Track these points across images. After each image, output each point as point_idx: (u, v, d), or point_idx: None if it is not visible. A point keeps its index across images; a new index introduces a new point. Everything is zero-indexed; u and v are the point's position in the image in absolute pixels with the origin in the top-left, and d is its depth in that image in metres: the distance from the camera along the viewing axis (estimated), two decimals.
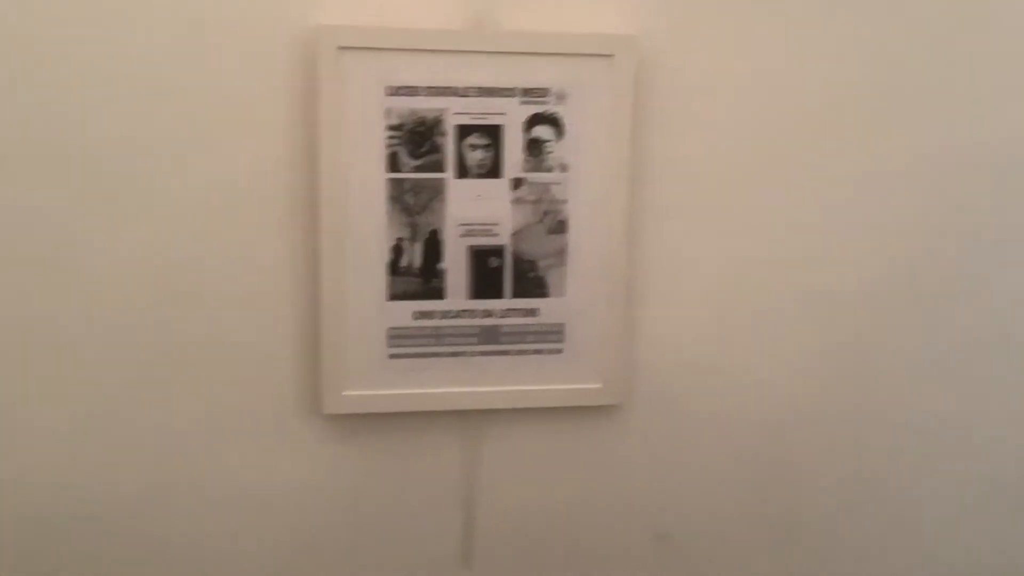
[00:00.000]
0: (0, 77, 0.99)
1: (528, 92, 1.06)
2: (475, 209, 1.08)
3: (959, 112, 1.16)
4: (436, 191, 1.07)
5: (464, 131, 1.06)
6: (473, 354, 1.12)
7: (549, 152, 1.08)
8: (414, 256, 1.08)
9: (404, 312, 1.09)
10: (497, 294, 1.11)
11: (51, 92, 1.00)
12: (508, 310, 1.11)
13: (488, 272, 1.10)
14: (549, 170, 1.08)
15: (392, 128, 1.05)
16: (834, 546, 1.27)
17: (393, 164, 1.05)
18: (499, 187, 1.08)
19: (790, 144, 1.14)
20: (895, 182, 1.17)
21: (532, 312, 1.12)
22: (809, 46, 1.12)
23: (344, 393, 1.10)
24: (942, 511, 1.28)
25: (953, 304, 1.21)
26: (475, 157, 1.07)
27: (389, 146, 1.05)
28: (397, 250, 1.08)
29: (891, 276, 1.19)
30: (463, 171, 1.07)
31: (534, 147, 1.08)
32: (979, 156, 1.17)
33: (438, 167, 1.06)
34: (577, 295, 1.12)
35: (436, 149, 1.06)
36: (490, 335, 1.12)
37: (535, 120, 1.07)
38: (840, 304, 1.19)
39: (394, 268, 1.08)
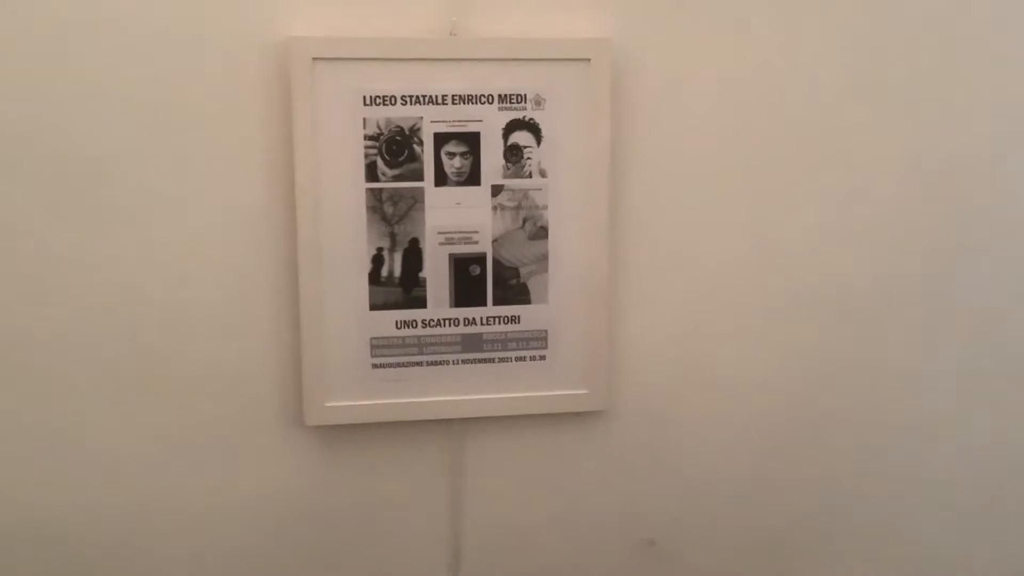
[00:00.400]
0: None
1: (505, 98, 1.06)
2: (455, 217, 1.08)
3: (943, 112, 1.16)
4: (415, 200, 1.06)
5: (442, 139, 1.06)
6: (456, 362, 1.11)
7: (528, 158, 1.08)
8: (394, 265, 1.08)
9: (386, 321, 1.09)
10: (479, 302, 1.10)
11: (24, 105, 0.99)
12: (491, 318, 1.11)
13: (470, 280, 1.10)
14: (528, 176, 1.08)
15: (369, 138, 1.04)
16: (823, 551, 1.27)
17: (371, 174, 1.05)
18: (478, 194, 1.07)
19: (768, 146, 1.14)
20: (876, 182, 1.16)
21: (515, 319, 1.11)
22: (785, 46, 1.12)
23: (327, 404, 1.09)
24: (934, 515, 1.27)
25: (939, 307, 1.21)
26: (453, 165, 1.06)
27: (367, 156, 1.04)
28: (377, 260, 1.07)
29: (873, 277, 1.19)
30: (442, 179, 1.06)
31: (513, 153, 1.07)
32: (964, 155, 1.17)
33: (416, 176, 1.06)
34: (560, 301, 1.12)
35: (414, 158, 1.05)
36: (473, 343, 1.11)
37: (513, 126, 1.07)
38: (822, 307, 1.19)
39: (375, 278, 1.08)
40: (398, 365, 1.10)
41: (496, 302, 1.11)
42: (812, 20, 1.11)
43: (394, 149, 1.05)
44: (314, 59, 1.01)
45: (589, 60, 1.06)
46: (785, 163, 1.14)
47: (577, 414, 1.17)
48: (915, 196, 1.18)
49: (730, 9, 1.10)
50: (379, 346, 1.09)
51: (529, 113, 1.07)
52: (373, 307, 1.08)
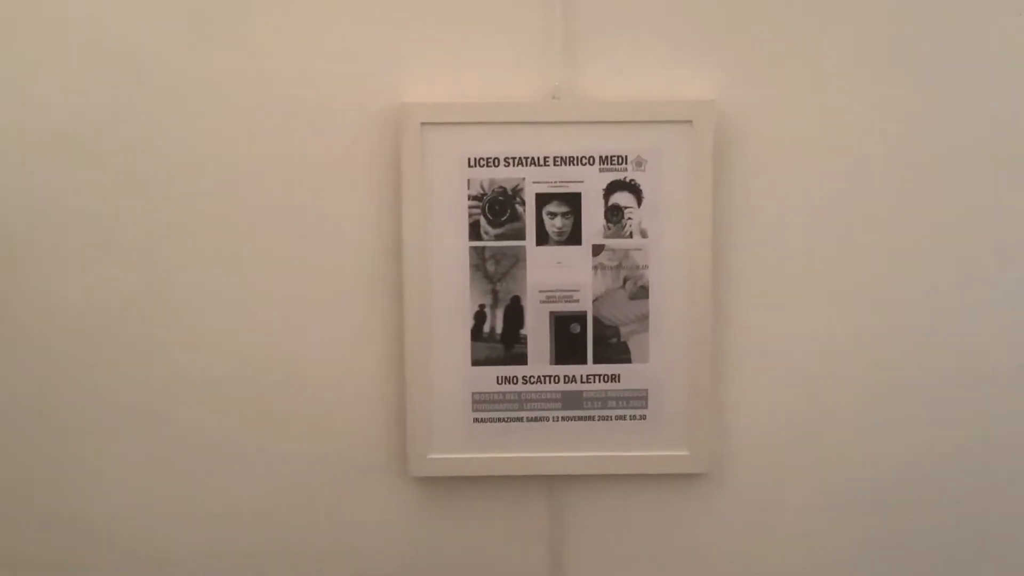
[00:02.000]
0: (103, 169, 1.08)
1: (606, 160, 1.08)
2: (556, 275, 1.10)
3: None
4: (517, 258, 1.09)
5: (543, 199, 1.08)
6: (556, 419, 1.12)
7: (629, 218, 1.09)
8: (496, 322, 1.10)
9: (487, 377, 1.11)
10: (579, 360, 1.11)
11: (158, 168, 1.09)
12: (590, 375, 1.12)
13: (570, 338, 1.11)
14: (629, 236, 1.09)
15: (473, 198, 1.08)
16: None
17: (475, 233, 1.08)
18: (579, 254, 1.09)
19: (876, 209, 1.11)
20: (996, 246, 1.11)
21: (615, 378, 1.12)
22: (890, 109, 1.09)
23: (430, 456, 1.12)
24: None
25: None
26: (555, 224, 1.09)
27: (471, 215, 1.08)
28: (480, 316, 1.10)
29: (995, 343, 1.13)
30: (543, 238, 1.09)
31: (613, 214, 1.09)
32: None
33: (519, 235, 1.09)
34: (661, 361, 1.11)
35: (516, 217, 1.08)
36: (573, 400, 1.12)
37: (614, 187, 1.08)
38: (941, 373, 1.14)
39: (477, 334, 1.10)
40: (499, 420, 1.12)
41: (596, 360, 1.11)
42: (923, 82, 1.09)
43: (497, 209, 1.08)
44: (423, 124, 1.06)
45: (691, 122, 1.07)
46: (895, 226, 1.11)
47: (679, 475, 1.15)
48: None
49: (836, 70, 1.09)
50: (481, 401, 1.12)
51: (630, 174, 1.08)
52: (475, 363, 1.11)
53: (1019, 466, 1.16)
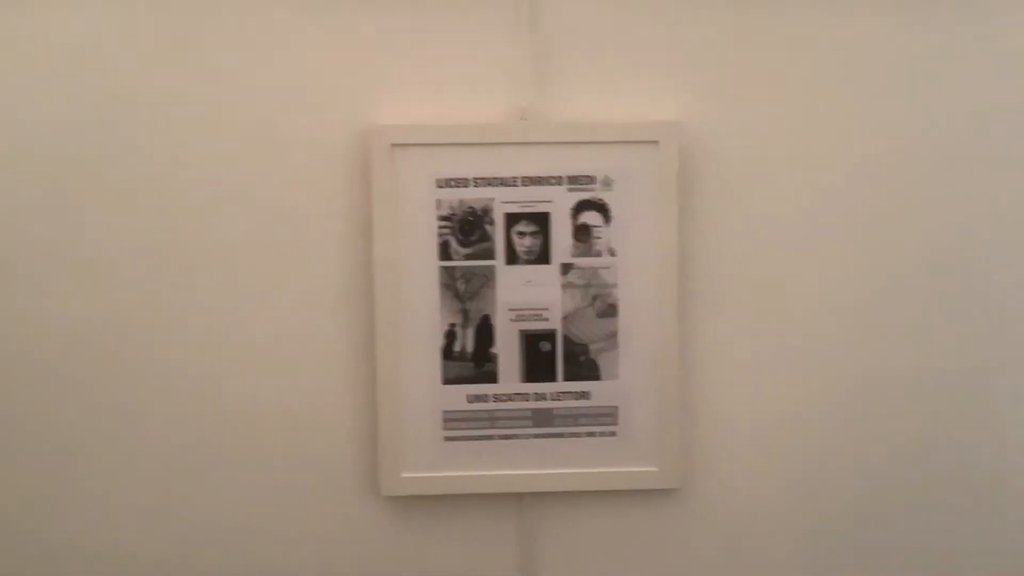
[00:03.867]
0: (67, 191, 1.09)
1: (574, 180, 1.09)
2: (525, 294, 1.11)
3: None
4: (486, 277, 1.10)
5: (512, 219, 1.09)
6: (527, 436, 1.13)
7: (597, 237, 1.10)
8: (466, 341, 1.11)
9: (458, 395, 1.12)
10: (549, 377, 1.12)
11: (131, 192, 1.09)
12: (560, 393, 1.13)
13: (540, 356, 1.12)
14: (598, 255, 1.10)
15: (443, 218, 1.09)
16: None
17: (445, 252, 1.09)
18: (548, 272, 1.10)
19: (837, 224, 1.13)
20: (954, 258, 1.14)
21: (584, 395, 1.13)
22: (854, 129, 1.12)
23: (402, 475, 1.13)
24: None
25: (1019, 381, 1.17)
26: (524, 244, 1.10)
27: (440, 235, 1.09)
28: (450, 335, 1.11)
29: (964, 355, 1.16)
30: (512, 258, 1.10)
31: (582, 233, 1.10)
32: None
33: (488, 255, 1.10)
34: (630, 378, 1.13)
35: (486, 237, 1.10)
36: (543, 418, 1.13)
37: (582, 206, 1.10)
38: (910, 385, 1.16)
39: (447, 353, 1.11)
40: (470, 438, 1.13)
41: (566, 378, 1.12)
42: (888, 102, 1.12)
43: (466, 229, 1.09)
44: (392, 145, 1.07)
45: (657, 142, 1.09)
46: (859, 241, 1.14)
47: (649, 491, 1.16)
48: (1009, 271, 1.15)
49: (800, 91, 1.11)
50: (452, 419, 1.12)
51: (598, 194, 1.09)
52: (446, 381, 1.12)
53: (989, 472, 1.18)
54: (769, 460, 1.17)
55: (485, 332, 1.11)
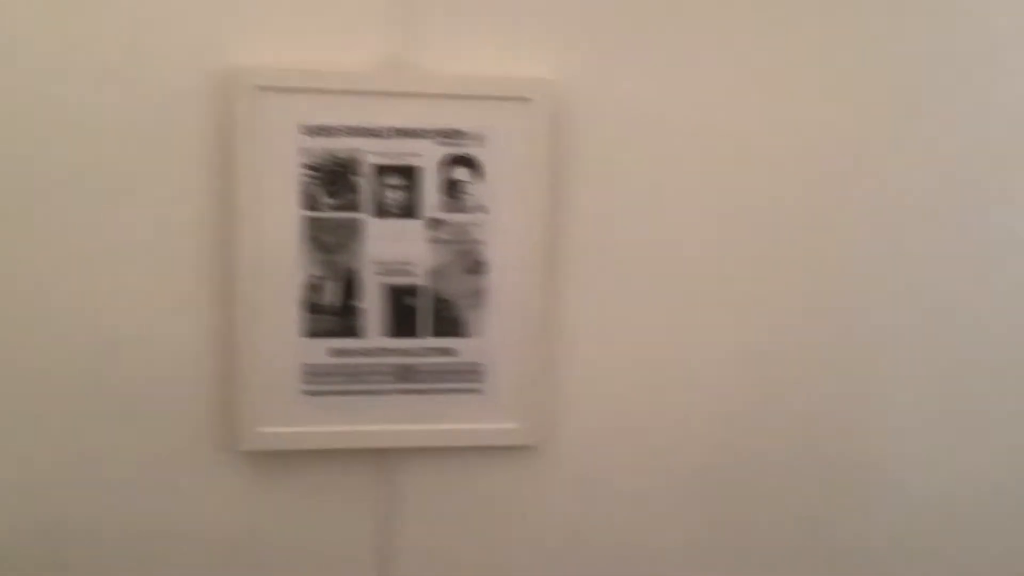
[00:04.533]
0: None
1: (445, 134, 1.07)
2: (392, 248, 1.09)
3: (921, 156, 1.18)
4: (353, 230, 1.08)
5: (381, 171, 1.07)
6: (390, 392, 1.12)
7: (467, 194, 1.09)
8: (332, 294, 1.09)
9: (319, 349, 1.09)
10: (415, 333, 1.11)
11: None
12: (426, 349, 1.12)
13: (405, 311, 1.10)
14: (468, 211, 1.09)
15: (309, 167, 1.05)
16: None
17: (310, 203, 1.06)
18: (416, 227, 1.09)
19: (711, 180, 1.15)
20: (827, 228, 1.18)
21: (450, 351, 1.12)
22: (731, 87, 1.14)
23: (259, 429, 1.10)
24: (882, 562, 1.28)
25: (888, 359, 1.22)
26: (392, 197, 1.08)
27: (306, 185, 1.06)
28: (314, 288, 1.08)
29: (828, 324, 1.20)
30: (381, 211, 1.08)
31: (452, 188, 1.08)
32: (914, 201, 1.19)
33: (355, 207, 1.07)
34: (496, 335, 1.12)
35: (353, 189, 1.07)
36: (407, 374, 1.12)
37: (452, 161, 1.08)
38: (771, 349, 1.20)
39: (312, 306, 1.08)
40: (330, 393, 1.11)
41: (432, 334, 1.11)
42: (765, 57, 1.14)
43: (333, 180, 1.06)
44: (257, 87, 1.03)
45: (530, 99, 1.07)
46: (733, 206, 1.16)
47: (511, 448, 1.17)
48: (877, 244, 1.19)
49: (675, 48, 1.12)
50: (312, 373, 1.10)
51: (469, 149, 1.08)
52: (308, 334, 1.09)
53: (859, 442, 1.24)
54: (631, 421, 1.19)
55: (350, 285, 1.09)
